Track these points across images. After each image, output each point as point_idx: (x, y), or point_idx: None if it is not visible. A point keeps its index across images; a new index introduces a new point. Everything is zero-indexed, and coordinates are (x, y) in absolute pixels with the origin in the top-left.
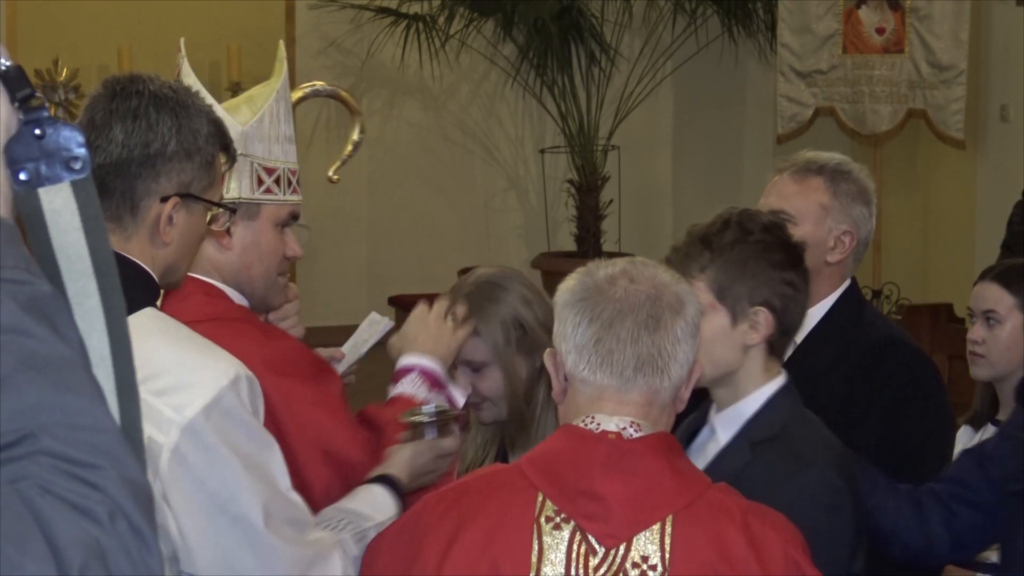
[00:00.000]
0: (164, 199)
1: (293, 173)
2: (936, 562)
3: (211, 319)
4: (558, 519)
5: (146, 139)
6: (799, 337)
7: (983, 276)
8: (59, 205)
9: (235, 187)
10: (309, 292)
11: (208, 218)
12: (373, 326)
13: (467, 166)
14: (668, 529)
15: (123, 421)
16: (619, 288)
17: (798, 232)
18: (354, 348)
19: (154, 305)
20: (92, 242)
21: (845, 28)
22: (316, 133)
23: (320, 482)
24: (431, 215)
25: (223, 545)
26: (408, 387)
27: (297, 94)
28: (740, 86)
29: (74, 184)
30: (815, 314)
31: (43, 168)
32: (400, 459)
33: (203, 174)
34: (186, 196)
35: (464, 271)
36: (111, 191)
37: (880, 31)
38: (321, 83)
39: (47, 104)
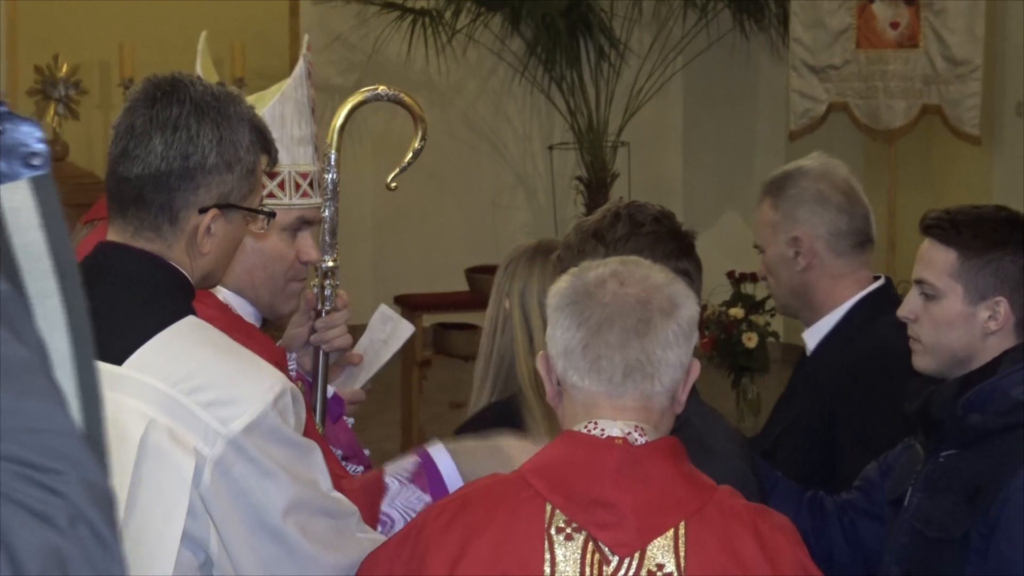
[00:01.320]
0: (203, 210)
1: (304, 176)
2: (841, 571)
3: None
4: (569, 529)
5: (186, 151)
6: (812, 342)
7: None
8: (18, 203)
9: None
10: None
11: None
12: (387, 322)
13: (474, 163)
14: (681, 535)
15: (86, 424)
16: (608, 292)
17: (765, 258)
18: (373, 352)
19: (193, 312)
20: (53, 241)
21: (859, 22)
22: (321, 129)
23: None
24: (437, 213)
25: (265, 556)
26: (393, 466)
27: (357, 98)
28: (752, 81)
29: (34, 181)
30: (827, 322)
31: (1, 165)
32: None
33: (243, 183)
34: (225, 207)
35: (471, 270)
36: (149, 203)
37: (894, 25)
38: (383, 87)
39: (5, 100)
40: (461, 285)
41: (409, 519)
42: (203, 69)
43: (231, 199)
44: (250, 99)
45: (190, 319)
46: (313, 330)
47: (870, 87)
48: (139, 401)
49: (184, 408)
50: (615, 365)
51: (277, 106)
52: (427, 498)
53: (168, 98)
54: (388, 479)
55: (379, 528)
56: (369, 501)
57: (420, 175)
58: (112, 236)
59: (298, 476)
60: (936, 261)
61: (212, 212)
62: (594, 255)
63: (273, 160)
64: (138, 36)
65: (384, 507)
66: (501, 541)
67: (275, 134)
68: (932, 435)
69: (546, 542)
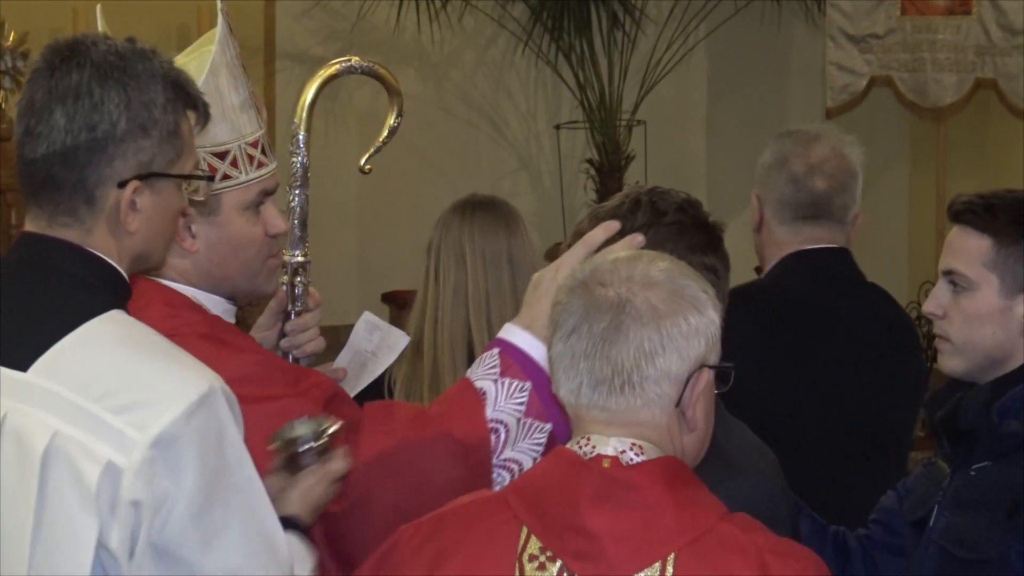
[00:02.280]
0: (122, 184)
1: (254, 144)
2: None
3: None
4: (543, 558)
5: (91, 121)
6: None
7: None
8: None
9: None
10: None
11: (186, 190)
12: (374, 332)
13: (472, 144)
14: (670, 569)
15: None
16: (587, 293)
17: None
18: (359, 365)
19: (122, 306)
20: None
21: None
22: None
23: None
24: (430, 200)
25: (184, 566)
26: (479, 370)
27: (329, 71)
28: (784, 53)
29: None
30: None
31: None
32: (293, 498)
33: (166, 147)
34: (147, 176)
35: None
36: (60, 182)
37: None
38: (356, 58)
39: None
40: None
41: (522, 409)
42: None
43: (153, 167)
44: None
45: (110, 315)
46: (283, 334)
47: (917, 59)
48: (43, 411)
49: (92, 416)
50: (581, 374)
51: (210, 79)
52: (527, 384)
53: (67, 64)
54: (479, 384)
55: (494, 440)
56: (464, 416)
57: (411, 157)
58: (29, 226)
59: (222, 484)
60: (968, 249)
61: (133, 184)
62: (608, 244)
63: (204, 116)
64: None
65: (489, 413)
66: (470, 566)
67: (216, 110)
68: (960, 447)
69: (517, 570)
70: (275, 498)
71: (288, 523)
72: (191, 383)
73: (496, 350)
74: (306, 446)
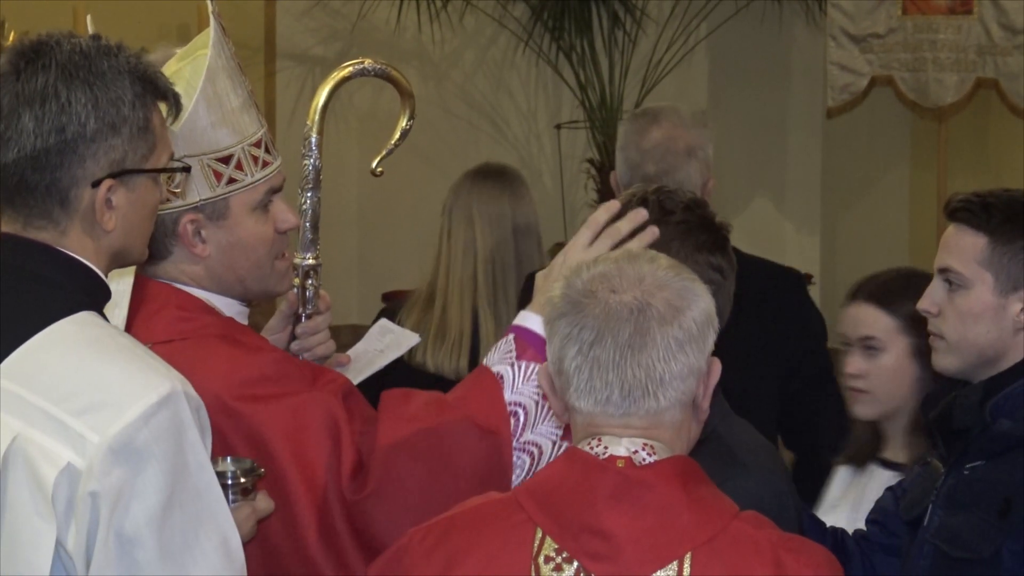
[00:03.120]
0: (96, 184)
1: (257, 144)
2: None
3: (180, 338)
4: (559, 559)
5: (60, 123)
6: None
7: (854, 295)
8: None
9: (195, 192)
10: None
11: (165, 183)
12: (386, 335)
13: (472, 144)
14: (687, 568)
15: None
16: (599, 302)
17: None
18: (366, 359)
19: (96, 307)
20: None
21: None
22: (299, 106)
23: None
24: (431, 200)
25: (120, 569)
26: (495, 355)
27: (342, 73)
28: (785, 52)
29: None
30: None
31: None
32: None
33: (137, 143)
34: (121, 174)
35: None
36: (33, 186)
37: None
38: (369, 60)
39: None
40: None
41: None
42: None
43: (126, 164)
44: (168, 70)
45: (78, 316)
46: (294, 336)
47: (918, 59)
48: (5, 414)
49: (52, 419)
50: (611, 385)
51: (208, 86)
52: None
53: (32, 67)
54: (497, 368)
55: (513, 423)
56: (483, 399)
57: (411, 158)
58: (4, 228)
59: (182, 489)
60: (964, 247)
61: (107, 183)
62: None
63: (176, 106)
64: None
65: (508, 396)
66: (484, 569)
67: (216, 116)
68: (954, 446)
69: (533, 572)
70: None
71: None
72: (152, 385)
73: (511, 336)
74: (231, 480)
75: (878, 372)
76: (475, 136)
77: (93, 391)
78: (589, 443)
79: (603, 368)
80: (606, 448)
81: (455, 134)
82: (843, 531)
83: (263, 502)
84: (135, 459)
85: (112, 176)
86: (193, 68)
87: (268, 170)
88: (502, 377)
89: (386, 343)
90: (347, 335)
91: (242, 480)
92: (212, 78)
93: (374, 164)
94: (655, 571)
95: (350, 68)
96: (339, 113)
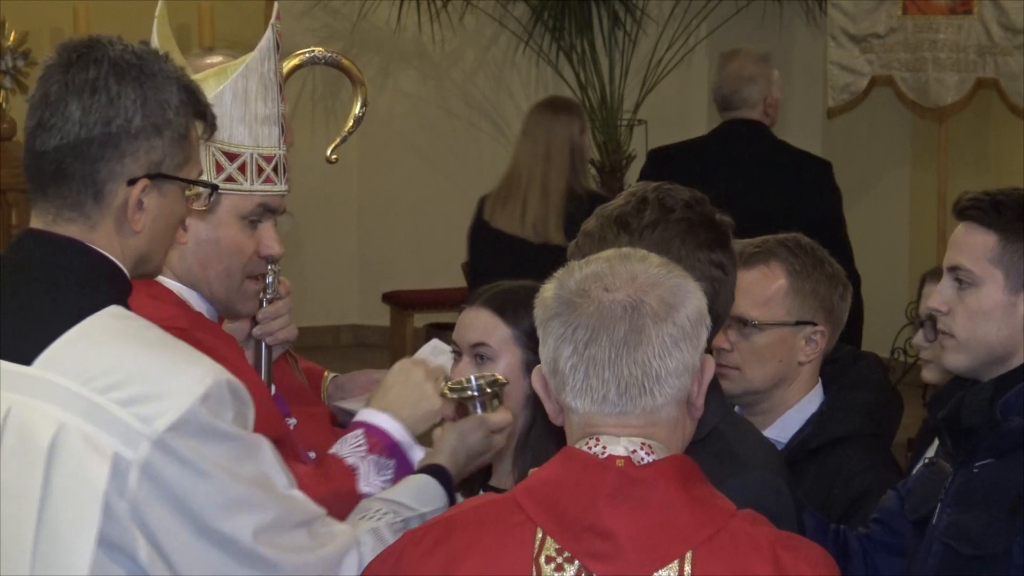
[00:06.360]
0: (131, 182)
1: (268, 160)
2: None
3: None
4: (560, 559)
5: (107, 115)
6: None
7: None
8: None
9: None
10: (292, 288)
11: (188, 198)
12: (439, 356)
13: (472, 143)
14: (688, 568)
15: None
16: (592, 301)
17: None
18: None
19: (123, 303)
20: None
21: None
22: (300, 106)
23: None
24: (431, 200)
25: (210, 562)
26: (345, 448)
27: (292, 62)
28: (785, 52)
29: None
30: None
31: None
32: (446, 445)
33: (176, 150)
34: (157, 176)
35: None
36: (70, 175)
37: None
38: (320, 49)
39: None
40: (457, 281)
41: (382, 489)
42: (160, 38)
43: (163, 168)
44: (210, 73)
45: (112, 309)
46: (255, 322)
47: (918, 58)
48: (48, 404)
49: (99, 408)
50: (607, 383)
51: (240, 80)
52: (391, 462)
53: (84, 60)
54: (350, 461)
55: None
56: (342, 487)
57: (411, 157)
58: (34, 222)
59: (239, 475)
60: (974, 245)
61: (142, 183)
62: (616, 244)
63: (211, 126)
64: (94, 0)
65: (363, 488)
66: (485, 569)
67: (238, 111)
68: (963, 444)
69: (534, 572)
70: (435, 446)
71: (433, 470)
72: (197, 377)
73: (359, 431)
74: (475, 392)
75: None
76: (475, 136)
77: (139, 382)
78: (587, 443)
79: (599, 366)
80: (604, 448)
81: (455, 134)
82: (846, 529)
83: (497, 415)
84: (183, 452)
85: (148, 177)
86: (217, 77)
87: (269, 187)
88: (355, 469)
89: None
90: (347, 335)
91: (488, 390)
92: (247, 75)
93: (328, 151)
94: (656, 570)
95: (301, 57)
96: (339, 114)
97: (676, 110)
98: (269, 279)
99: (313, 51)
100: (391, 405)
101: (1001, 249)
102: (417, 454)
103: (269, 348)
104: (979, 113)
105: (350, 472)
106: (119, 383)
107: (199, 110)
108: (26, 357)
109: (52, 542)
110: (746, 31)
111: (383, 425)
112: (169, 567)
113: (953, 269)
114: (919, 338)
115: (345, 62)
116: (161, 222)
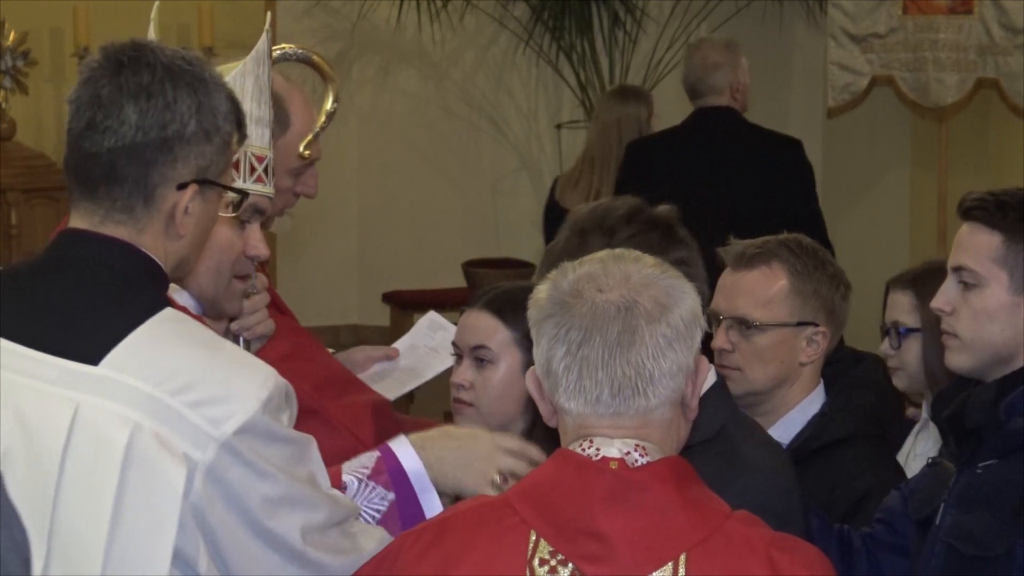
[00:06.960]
0: (181, 186)
1: (260, 159)
2: None
3: None
4: (554, 561)
5: (163, 120)
6: None
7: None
8: None
9: None
10: (292, 288)
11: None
12: (437, 331)
13: (473, 144)
14: (682, 570)
15: None
16: (585, 301)
17: None
18: (416, 357)
19: (169, 304)
20: None
21: None
22: None
23: None
24: (431, 200)
25: (268, 563)
26: (353, 463)
27: None
28: (785, 52)
29: None
30: None
31: None
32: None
33: (220, 156)
34: (204, 182)
35: (469, 264)
36: (122, 178)
37: None
38: (291, 46)
39: None
40: (458, 281)
41: (372, 520)
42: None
43: (208, 174)
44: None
45: (168, 312)
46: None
47: (918, 58)
48: (121, 404)
49: (171, 410)
50: (601, 384)
51: (238, 78)
52: (391, 495)
53: (136, 63)
54: (346, 477)
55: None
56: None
57: (412, 157)
58: (77, 223)
59: (296, 475)
60: (978, 246)
61: (192, 188)
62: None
63: (242, 138)
64: (94, 0)
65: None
66: (479, 572)
67: None
68: (967, 445)
69: (528, 575)
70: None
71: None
72: (259, 381)
73: (377, 454)
74: None
75: (485, 384)
76: (475, 136)
77: (206, 384)
78: (580, 444)
79: (592, 367)
80: (598, 450)
81: (455, 134)
82: (849, 529)
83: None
84: (248, 455)
85: (196, 182)
86: (235, 63)
87: (260, 187)
88: (345, 487)
89: (437, 341)
90: (347, 335)
91: None
92: (243, 75)
93: (301, 147)
94: (651, 572)
95: (272, 54)
96: (340, 114)
97: (676, 110)
98: (252, 280)
99: (284, 48)
100: (436, 450)
101: (1005, 250)
102: (433, 500)
103: (247, 342)
104: (979, 113)
105: (339, 488)
106: (189, 385)
107: (239, 118)
108: (92, 357)
109: (127, 542)
110: (746, 31)
111: (401, 457)
112: (225, 568)
113: (957, 269)
114: (885, 346)
115: (315, 58)
116: (201, 227)
